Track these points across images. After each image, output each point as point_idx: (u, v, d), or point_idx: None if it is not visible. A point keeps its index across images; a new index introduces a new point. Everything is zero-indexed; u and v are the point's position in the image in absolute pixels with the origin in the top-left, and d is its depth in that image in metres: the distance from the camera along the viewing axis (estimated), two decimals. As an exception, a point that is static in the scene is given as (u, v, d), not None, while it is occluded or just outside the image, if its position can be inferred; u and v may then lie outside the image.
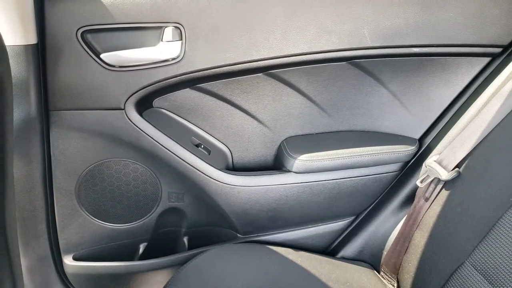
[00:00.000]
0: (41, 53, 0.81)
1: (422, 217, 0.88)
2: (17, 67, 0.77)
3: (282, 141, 1.01)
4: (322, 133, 1.02)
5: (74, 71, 0.84)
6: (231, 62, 0.86)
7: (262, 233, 1.09)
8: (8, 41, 0.74)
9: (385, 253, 1.02)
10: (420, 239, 0.87)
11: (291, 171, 0.97)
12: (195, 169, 0.96)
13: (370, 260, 1.07)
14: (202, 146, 0.99)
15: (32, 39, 0.77)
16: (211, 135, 1.01)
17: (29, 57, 0.78)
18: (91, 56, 0.83)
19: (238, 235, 1.09)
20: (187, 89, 0.93)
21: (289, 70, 0.91)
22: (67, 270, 1.04)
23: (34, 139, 0.86)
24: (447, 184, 0.84)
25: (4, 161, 0.76)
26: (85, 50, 0.82)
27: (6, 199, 0.77)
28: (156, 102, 0.94)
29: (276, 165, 1.04)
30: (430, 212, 0.86)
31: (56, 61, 0.83)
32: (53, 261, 1.01)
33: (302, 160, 0.95)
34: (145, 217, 1.04)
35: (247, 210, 1.00)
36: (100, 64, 0.83)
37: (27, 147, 0.85)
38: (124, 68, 0.85)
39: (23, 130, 0.82)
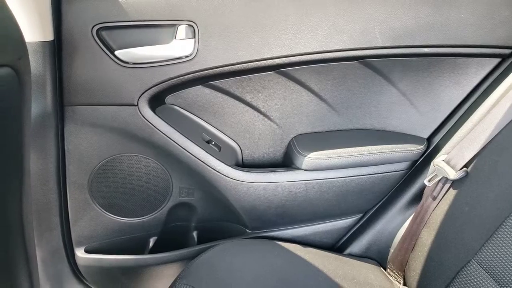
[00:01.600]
0: (57, 49, 0.82)
1: (430, 215, 0.89)
2: (34, 63, 0.78)
3: (292, 139, 1.02)
4: (331, 131, 1.03)
5: (89, 68, 0.85)
6: (243, 60, 0.87)
7: (270, 228, 1.10)
8: (25, 38, 0.75)
9: (392, 250, 1.03)
10: (427, 237, 0.88)
11: (300, 169, 0.98)
12: (205, 165, 0.97)
13: (377, 257, 1.08)
14: (213, 143, 1.01)
15: (49, 36, 0.79)
16: (222, 131, 1.02)
17: (45, 54, 0.79)
18: (106, 53, 0.84)
19: (247, 230, 1.11)
20: (199, 86, 0.94)
21: (300, 68, 0.92)
22: (79, 262, 1.06)
23: (49, 134, 0.87)
24: (455, 183, 0.85)
25: (22, 155, 0.78)
26: (100, 47, 0.83)
27: (23, 192, 0.79)
28: (169, 99, 0.95)
29: (286, 162, 1.05)
30: (438, 210, 0.87)
31: (71, 58, 0.84)
32: (66, 254, 1.03)
33: (311, 158, 0.96)
34: (155, 212, 1.06)
35: (256, 206, 1.02)
36: (114, 61, 0.85)
37: (42, 141, 0.86)
38: (138, 65, 0.86)
39: (39, 125, 0.84)
